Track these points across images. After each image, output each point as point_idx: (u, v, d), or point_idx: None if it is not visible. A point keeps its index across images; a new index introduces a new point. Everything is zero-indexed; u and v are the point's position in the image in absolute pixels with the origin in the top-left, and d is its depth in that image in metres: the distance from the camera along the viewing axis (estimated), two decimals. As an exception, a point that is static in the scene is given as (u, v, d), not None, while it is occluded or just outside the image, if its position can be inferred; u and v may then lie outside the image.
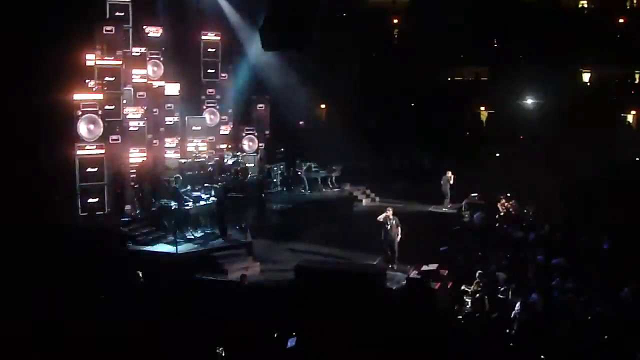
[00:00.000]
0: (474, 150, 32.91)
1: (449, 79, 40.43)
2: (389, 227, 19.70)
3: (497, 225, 22.19)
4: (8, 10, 20.15)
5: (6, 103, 19.47)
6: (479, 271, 17.02)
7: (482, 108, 38.76)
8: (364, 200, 29.14)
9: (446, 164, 28.24)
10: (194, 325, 14.10)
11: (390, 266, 19.44)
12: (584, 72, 38.51)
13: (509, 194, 24.46)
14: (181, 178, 21.88)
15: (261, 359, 13.32)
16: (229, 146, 28.51)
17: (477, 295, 16.14)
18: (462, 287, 17.07)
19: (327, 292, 16.50)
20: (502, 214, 23.18)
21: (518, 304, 15.04)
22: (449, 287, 17.19)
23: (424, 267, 17.31)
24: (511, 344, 13.08)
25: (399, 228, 19.80)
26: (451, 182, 27.04)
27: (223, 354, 12.55)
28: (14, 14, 20.27)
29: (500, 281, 16.94)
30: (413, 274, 17.38)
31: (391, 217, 19.85)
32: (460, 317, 15.14)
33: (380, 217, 19.96)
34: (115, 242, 19.79)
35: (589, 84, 38.34)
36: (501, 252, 19.21)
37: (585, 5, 39.18)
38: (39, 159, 20.23)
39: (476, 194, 26.08)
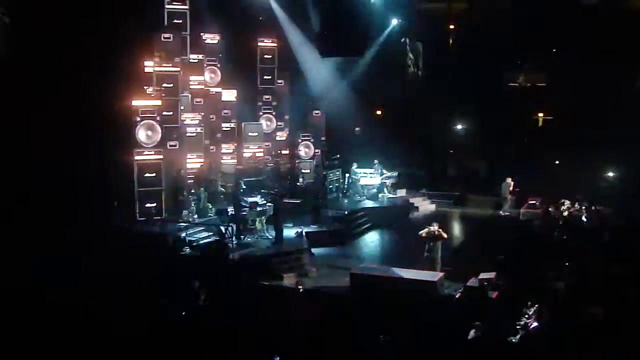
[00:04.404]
0: (532, 156, 32.43)
1: (508, 83, 39.95)
2: (432, 243, 18.58)
3: (555, 232, 21.80)
4: (73, 18, 20.58)
5: (66, 110, 19.83)
6: (538, 280, 16.74)
7: (541, 114, 38.15)
8: (420, 207, 28.98)
9: (503, 170, 28.10)
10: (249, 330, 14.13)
11: None
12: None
13: (567, 201, 24.09)
14: (242, 184, 22.09)
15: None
16: (286, 152, 28.63)
17: (536, 304, 15.85)
18: (521, 296, 16.79)
19: (383, 299, 16.44)
20: (560, 221, 22.79)
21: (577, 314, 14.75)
22: (506, 296, 16.93)
23: (482, 275, 17.11)
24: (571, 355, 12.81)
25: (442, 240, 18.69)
26: (510, 188, 27.50)
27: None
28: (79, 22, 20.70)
29: (560, 290, 16.62)
30: (471, 282, 17.18)
31: (436, 232, 18.58)
32: (519, 326, 14.87)
33: (423, 232, 18.69)
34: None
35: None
36: (560, 260, 18.83)
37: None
38: (99, 164, 20.55)
39: (535, 201, 25.83)
